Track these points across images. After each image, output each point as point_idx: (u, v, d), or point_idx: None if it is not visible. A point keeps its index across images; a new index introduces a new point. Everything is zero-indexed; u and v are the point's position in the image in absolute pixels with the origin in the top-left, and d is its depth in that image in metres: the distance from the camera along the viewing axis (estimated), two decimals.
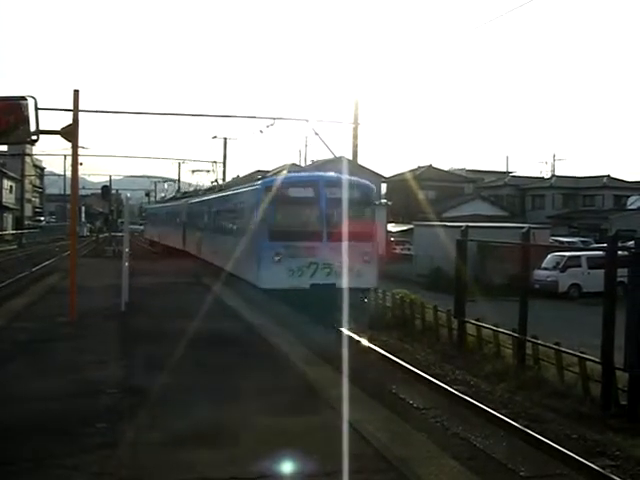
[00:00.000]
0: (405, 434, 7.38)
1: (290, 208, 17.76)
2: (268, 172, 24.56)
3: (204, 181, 46.84)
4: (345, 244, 16.34)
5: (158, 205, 56.10)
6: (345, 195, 17.17)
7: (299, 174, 20.91)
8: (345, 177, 18.45)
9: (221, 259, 22.63)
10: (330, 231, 17.09)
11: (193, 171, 49.40)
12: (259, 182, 19.79)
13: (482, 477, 6.30)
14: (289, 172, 20.49)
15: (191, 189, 53.79)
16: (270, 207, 17.42)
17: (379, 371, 13.02)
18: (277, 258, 16.81)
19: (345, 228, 16.95)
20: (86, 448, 6.53)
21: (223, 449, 6.58)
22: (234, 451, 6.51)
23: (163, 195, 65.40)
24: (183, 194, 47.05)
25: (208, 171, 46.44)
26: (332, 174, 18.91)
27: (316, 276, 16.82)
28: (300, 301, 16.19)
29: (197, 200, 32.66)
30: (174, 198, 48.33)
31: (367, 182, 19.23)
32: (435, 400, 11.28)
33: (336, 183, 17.93)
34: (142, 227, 64.07)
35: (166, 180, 70.45)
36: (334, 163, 27.28)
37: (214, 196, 27.75)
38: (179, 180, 66.13)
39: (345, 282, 15.86)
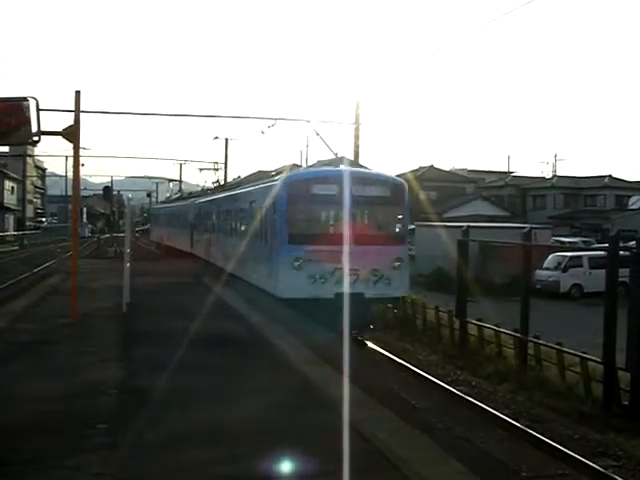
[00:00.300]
0: (407, 434, 7.36)
1: (312, 207, 15.99)
2: (270, 172, 24.24)
3: (208, 181, 45.68)
4: (374, 248, 15.28)
5: (163, 205, 54.41)
6: (374, 193, 15.87)
7: (322, 169, 18.52)
8: (374, 172, 16.93)
9: (232, 264, 21.08)
10: (357, 233, 15.34)
11: (201, 169, 47.64)
12: (277, 178, 18.01)
13: (484, 477, 6.28)
14: (309, 167, 19.34)
15: (193, 190, 53.55)
16: (289, 206, 15.77)
17: (380, 371, 13.01)
18: (297, 264, 15.04)
19: (374, 230, 16.11)
20: (87, 449, 6.52)
21: (223, 449, 6.57)
22: (234, 451, 6.50)
23: (168, 195, 63.58)
24: (190, 194, 45.68)
25: (216, 169, 45.75)
26: (360, 169, 17.19)
27: (341, 284, 14.81)
28: (322, 313, 14.07)
29: (206, 199, 31.08)
30: (180, 198, 46.97)
31: (399, 179, 17.51)
32: (437, 400, 11.27)
33: (364, 179, 16.35)
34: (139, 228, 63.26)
35: (171, 180, 68.87)
36: (336, 163, 27.19)
37: (224, 195, 26.19)
38: (180, 181, 66.15)
39: (374, 291, 15.12)
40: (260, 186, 19.03)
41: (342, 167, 17.24)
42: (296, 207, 15.90)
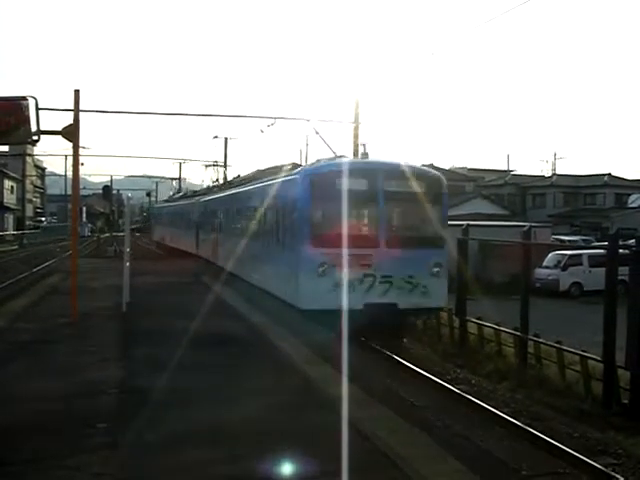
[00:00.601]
0: (406, 432, 7.37)
1: (339, 205, 13.60)
2: (269, 172, 23.65)
3: (213, 179, 44.58)
4: (409, 251, 13.71)
5: (166, 204, 52.01)
6: (409, 188, 14.09)
7: (349, 160, 16.14)
8: (409, 165, 14.97)
9: (244, 268, 19.54)
10: (390, 235, 13.86)
11: (206, 166, 45.97)
12: (298, 171, 16.09)
13: (483, 475, 6.29)
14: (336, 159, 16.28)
15: (194, 189, 52.97)
16: (312, 203, 14.04)
17: (380, 370, 13.01)
18: (321, 269, 13.32)
19: (409, 231, 14.69)
20: (87, 448, 6.53)
21: (223, 449, 6.57)
22: (234, 451, 6.50)
23: (171, 194, 60.48)
24: (194, 192, 44.01)
25: (224, 166, 44.48)
26: (393, 161, 15.11)
27: (371, 293, 13.42)
28: (349, 326, 12.07)
29: (213, 197, 29.12)
30: (184, 196, 45.22)
31: (437, 173, 15.62)
32: (437, 399, 11.27)
33: (399, 173, 14.42)
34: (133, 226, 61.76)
35: (173, 179, 66.98)
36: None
37: (234, 191, 23.95)
38: (180, 180, 66.09)
39: (408, 301, 13.60)
40: (276, 181, 16.99)
41: (372, 159, 15.33)
42: (320, 205, 14.13)
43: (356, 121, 28.13)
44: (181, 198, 45.38)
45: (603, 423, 10.50)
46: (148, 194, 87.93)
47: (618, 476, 8.15)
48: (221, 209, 25.44)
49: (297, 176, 15.13)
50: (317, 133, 20.35)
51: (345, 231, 13.41)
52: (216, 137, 46.50)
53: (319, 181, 14.06)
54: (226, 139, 46.56)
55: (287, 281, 14.39)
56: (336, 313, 12.23)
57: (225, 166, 45.49)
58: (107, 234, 55.45)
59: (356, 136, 28.11)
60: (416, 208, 14.34)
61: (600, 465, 8.41)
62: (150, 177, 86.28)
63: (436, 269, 13.97)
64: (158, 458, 6.34)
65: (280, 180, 16.62)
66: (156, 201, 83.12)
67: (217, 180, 41.34)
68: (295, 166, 17.60)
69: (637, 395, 11.00)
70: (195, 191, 44.73)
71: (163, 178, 74.99)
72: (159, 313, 15.59)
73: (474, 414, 10.45)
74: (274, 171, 24.03)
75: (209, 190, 36.26)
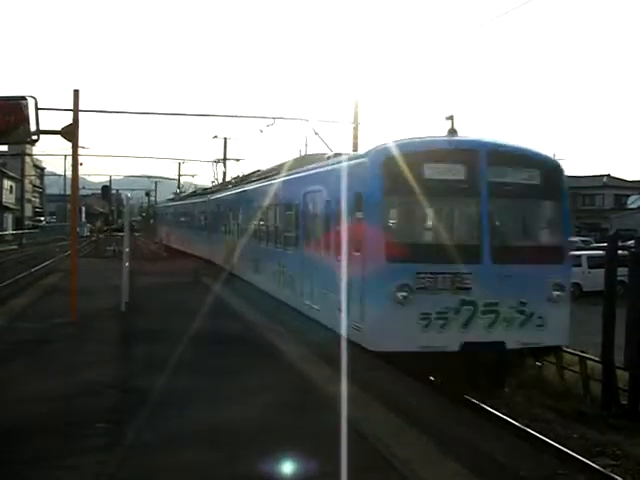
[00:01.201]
0: (405, 434, 7.37)
1: (424, 201, 10.04)
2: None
3: (209, 180, 43.06)
4: (522, 268, 9.93)
5: (172, 203, 48.08)
6: (523, 179, 10.38)
7: (439, 138, 10.91)
8: (520, 146, 10.90)
9: (275, 283, 15.84)
10: (497, 244, 10.05)
11: (217, 161, 42.97)
12: (365, 152, 11.48)
13: (482, 477, 6.29)
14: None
15: (192, 189, 52.54)
16: (389, 198, 10.22)
17: (377, 371, 13.00)
18: (402, 295, 9.56)
19: (522, 239, 11.00)
20: (86, 449, 6.52)
21: (223, 449, 6.57)
22: (234, 451, 6.50)
23: (178, 191, 57.53)
24: (204, 190, 40.47)
25: (237, 160, 42.40)
26: (496, 140, 11.05)
27: (471, 328, 9.73)
28: (439, 373, 10.23)
29: (230, 193, 25.18)
30: (193, 194, 42.10)
31: (553, 158, 11.73)
32: (435, 400, 11.26)
33: (508, 156, 10.49)
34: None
35: (182, 175, 64.31)
36: None
37: (265, 184, 18.78)
38: (179, 180, 66.07)
39: (519, 336, 9.91)
40: (328, 168, 12.96)
41: (466, 136, 10.95)
42: (398, 200, 10.46)
43: (355, 121, 28.13)
44: (190, 196, 42.33)
45: (602, 424, 10.53)
46: (147, 194, 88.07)
47: (617, 477, 8.18)
48: (242, 207, 21.38)
49: (364, 159, 10.92)
50: (316, 133, 20.24)
51: (435, 239, 10.30)
52: (215, 137, 46.54)
53: (398, 167, 9.93)
54: (225, 139, 46.59)
55: (348, 309, 10.53)
56: (421, 356, 9.56)
57: (224, 166, 45.46)
58: (106, 233, 55.41)
59: (355, 137, 28.12)
60: (531, 207, 10.95)
61: (599, 466, 8.44)
62: (149, 177, 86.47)
63: (557, 293, 10.16)
64: (157, 458, 6.33)
65: (334, 166, 12.45)
66: (155, 201, 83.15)
67: (215, 180, 41.10)
68: (336, 155, 13.81)
69: (636, 396, 11.02)
70: (205, 189, 41.24)
71: (162, 178, 74.99)
72: (158, 313, 15.55)
73: (473, 415, 10.46)
74: (259, 175, 21.67)
75: (223, 186, 32.48)
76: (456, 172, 10.16)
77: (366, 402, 8.39)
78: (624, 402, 11.17)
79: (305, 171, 14.80)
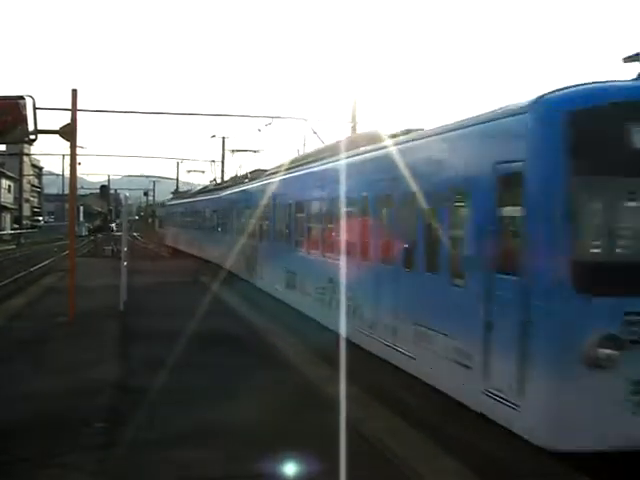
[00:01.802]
0: (404, 433, 7.36)
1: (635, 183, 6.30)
2: (266, 171, 22.75)
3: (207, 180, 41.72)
4: None
5: (180, 201, 43.20)
6: None
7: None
8: None
9: (326, 307, 12.13)
10: None
11: (233, 151, 39.89)
12: (519, 106, 6.74)
13: (482, 475, 6.29)
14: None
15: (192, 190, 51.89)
16: (579, 183, 6.11)
17: (375, 370, 13.00)
18: (604, 353, 5.93)
19: None
20: (85, 447, 6.51)
21: (222, 448, 6.55)
22: (233, 450, 6.49)
23: (189, 189, 53.46)
24: (216, 184, 36.90)
25: (255, 151, 39.42)
26: None
27: None
28: None
29: (255, 185, 20.45)
30: (204, 190, 37.52)
31: None
32: (435, 398, 11.26)
33: None
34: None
35: (193, 171, 61.99)
36: None
37: (314, 169, 13.96)
38: (177, 179, 66.03)
39: None
40: (436, 137, 8.83)
41: None
42: (598, 186, 6.37)
43: (353, 121, 28.14)
44: (201, 192, 37.34)
45: None
46: (145, 193, 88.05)
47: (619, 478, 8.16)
48: (272, 204, 17.05)
49: (525, 114, 6.55)
50: (315, 133, 20.28)
51: None
52: (214, 136, 46.55)
53: (599, 127, 6.22)
54: (224, 138, 46.58)
55: (483, 365, 7.09)
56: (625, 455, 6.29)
57: (223, 165, 45.46)
58: (105, 233, 55.36)
59: None
60: None
61: (600, 465, 8.42)
62: (148, 177, 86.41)
63: None
64: (157, 457, 6.31)
65: (452, 133, 8.25)
66: (154, 201, 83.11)
67: (215, 179, 40.94)
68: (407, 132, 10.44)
69: None
70: (217, 184, 37.05)
71: (161, 178, 74.96)
72: (156, 312, 15.52)
73: (472, 414, 10.45)
74: (258, 175, 19.69)
75: (237, 180, 28.34)
76: None
77: (365, 401, 8.39)
78: None
79: (382, 148, 10.38)
